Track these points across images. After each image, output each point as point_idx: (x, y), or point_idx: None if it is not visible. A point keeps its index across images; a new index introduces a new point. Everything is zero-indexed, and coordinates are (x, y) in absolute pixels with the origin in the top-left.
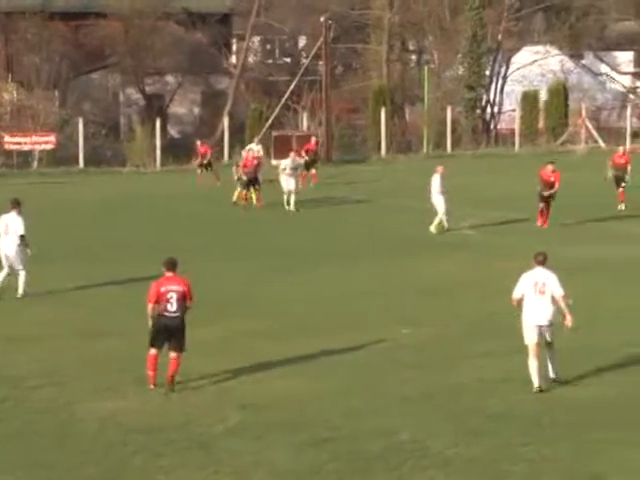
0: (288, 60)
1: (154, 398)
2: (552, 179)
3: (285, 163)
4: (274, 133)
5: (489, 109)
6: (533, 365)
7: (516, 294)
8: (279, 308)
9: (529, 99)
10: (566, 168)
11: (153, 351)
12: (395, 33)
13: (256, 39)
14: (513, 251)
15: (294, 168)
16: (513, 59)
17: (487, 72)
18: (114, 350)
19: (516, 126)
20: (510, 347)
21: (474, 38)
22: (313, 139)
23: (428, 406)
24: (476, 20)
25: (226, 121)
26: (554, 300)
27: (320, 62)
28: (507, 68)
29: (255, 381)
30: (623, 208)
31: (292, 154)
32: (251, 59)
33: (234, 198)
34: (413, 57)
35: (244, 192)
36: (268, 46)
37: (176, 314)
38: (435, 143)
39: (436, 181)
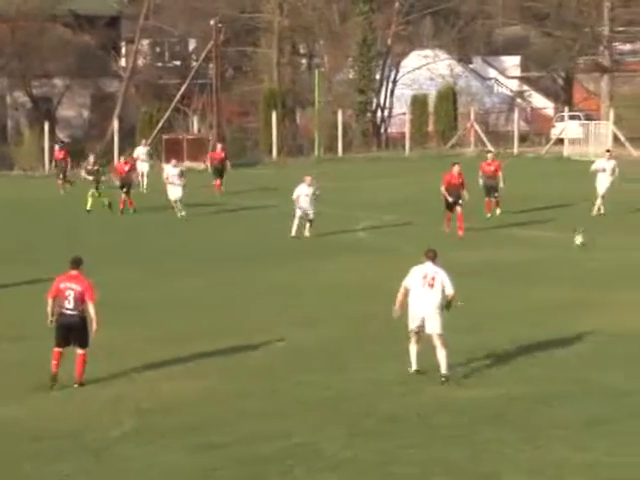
0: (178, 63)
1: (49, 404)
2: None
3: (167, 171)
4: (165, 136)
5: (380, 113)
6: (413, 350)
7: (405, 284)
8: (170, 312)
9: (419, 103)
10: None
11: (57, 348)
12: (285, 37)
13: (145, 42)
14: (405, 253)
15: (178, 175)
16: (403, 63)
17: (377, 76)
18: (14, 355)
19: (406, 129)
20: (400, 349)
21: (364, 42)
22: (219, 146)
23: (322, 409)
24: (365, 24)
25: (116, 124)
26: (442, 294)
27: (210, 65)
28: (397, 72)
29: (150, 386)
30: (498, 213)
31: (173, 161)
32: (141, 62)
33: (88, 206)
34: (304, 61)
35: (122, 196)
36: (158, 49)
37: (73, 312)
38: (326, 146)
39: (302, 189)
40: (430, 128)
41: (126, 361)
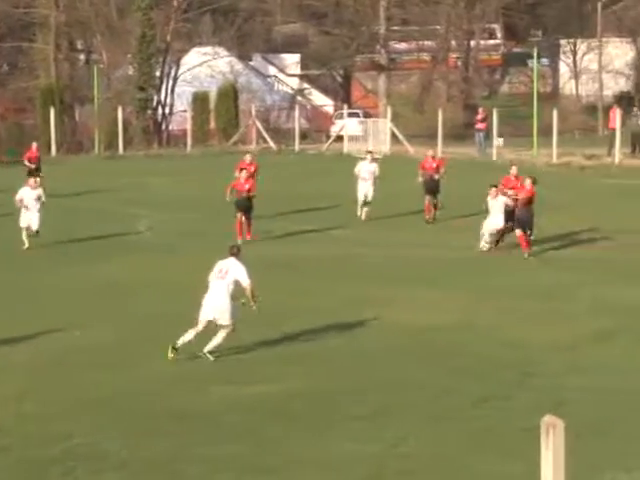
0: None
1: None
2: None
3: None
4: None
5: (160, 110)
6: (190, 334)
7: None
8: None
9: (200, 100)
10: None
11: None
12: (62, 32)
13: None
14: (186, 252)
15: None
16: (183, 60)
17: (157, 73)
18: None
19: (188, 127)
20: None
21: (143, 39)
22: (34, 145)
23: (105, 408)
24: (144, 21)
25: None
26: (234, 286)
27: None
28: (177, 69)
29: None
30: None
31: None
32: None
33: None
34: (82, 56)
35: None
36: None
37: None
38: (107, 144)
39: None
40: (212, 125)
41: None
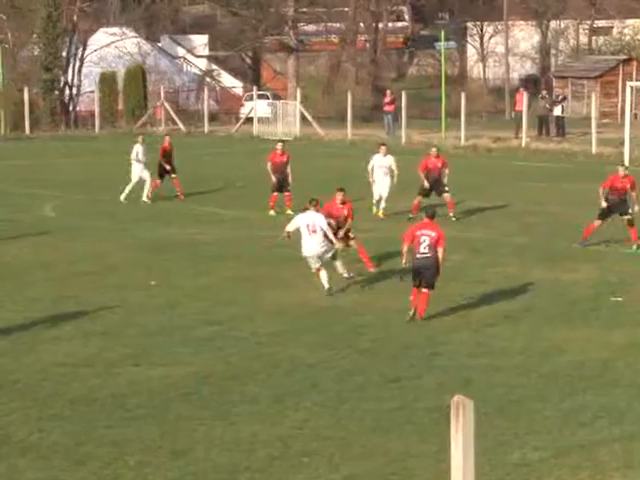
0: None
1: None
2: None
3: None
4: None
5: (68, 90)
6: (323, 274)
7: (289, 228)
8: None
9: (107, 81)
10: (148, 150)
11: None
12: None
13: None
14: (97, 233)
15: None
16: (90, 40)
17: (64, 53)
18: None
19: (96, 108)
20: (87, 330)
21: (49, 18)
22: None
23: (9, 393)
24: (50, 0)
25: None
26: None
27: None
28: (84, 49)
29: None
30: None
31: None
32: None
33: None
34: None
35: None
36: None
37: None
38: (13, 125)
39: None
40: (120, 106)
41: None
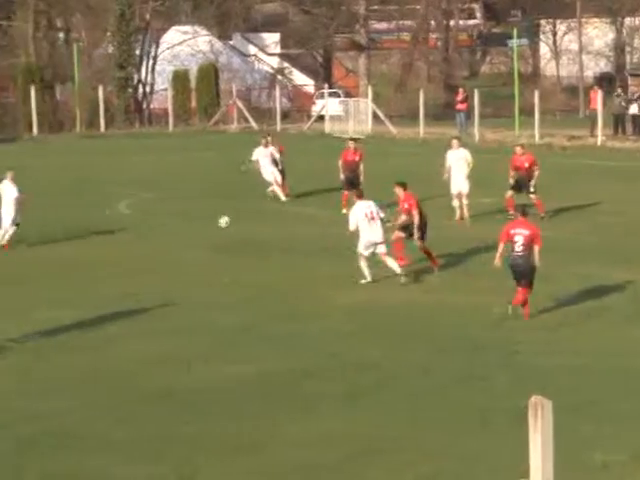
0: None
1: None
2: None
3: None
4: None
5: (141, 88)
6: (364, 264)
7: (351, 227)
8: None
9: (180, 79)
10: (220, 148)
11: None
12: (41, 10)
13: None
14: (169, 230)
15: None
16: (163, 39)
17: (137, 51)
18: None
19: (169, 105)
20: (162, 327)
21: (122, 17)
22: None
23: (85, 389)
24: None
25: None
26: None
27: None
28: (157, 47)
29: None
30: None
31: None
32: None
33: None
34: (61, 35)
35: None
36: None
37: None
38: (88, 122)
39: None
40: (193, 104)
41: None
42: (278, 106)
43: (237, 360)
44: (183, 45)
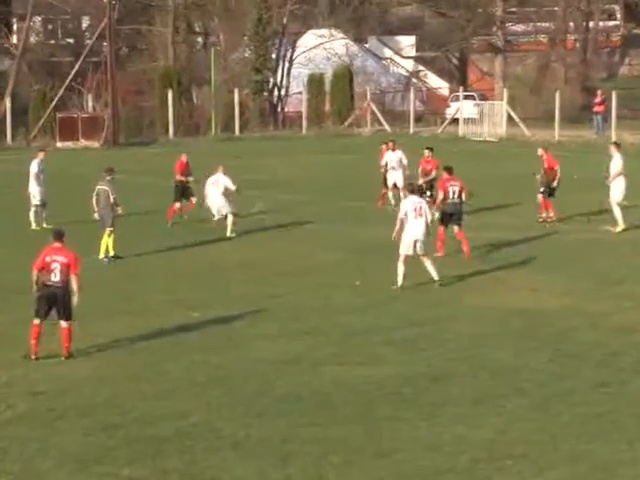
0: (71, 41)
1: None
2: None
3: None
4: (59, 115)
5: (276, 92)
6: (401, 269)
7: (401, 215)
8: None
9: (315, 82)
10: (353, 151)
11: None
12: (180, 14)
13: (37, 19)
14: (303, 233)
15: None
16: (299, 42)
17: (273, 55)
18: None
19: (303, 109)
20: (293, 329)
21: (259, 21)
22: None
23: (218, 389)
24: (261, 3)
25: (8, 103)
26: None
27: (104, 43)
28: (293, 51)
29: (44, 368)
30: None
31: None
32: (33, 39)
33: None
34: (199, 39)
35: None
36: (50, 26)
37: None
38: (223, 125)
39: (33, 167)
40: (327, 107)
41: (19, 345)
42: (412, 109)
43: (367, 362)
44: (319, 48)
